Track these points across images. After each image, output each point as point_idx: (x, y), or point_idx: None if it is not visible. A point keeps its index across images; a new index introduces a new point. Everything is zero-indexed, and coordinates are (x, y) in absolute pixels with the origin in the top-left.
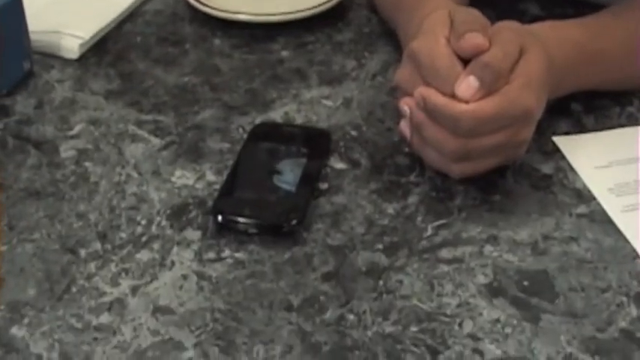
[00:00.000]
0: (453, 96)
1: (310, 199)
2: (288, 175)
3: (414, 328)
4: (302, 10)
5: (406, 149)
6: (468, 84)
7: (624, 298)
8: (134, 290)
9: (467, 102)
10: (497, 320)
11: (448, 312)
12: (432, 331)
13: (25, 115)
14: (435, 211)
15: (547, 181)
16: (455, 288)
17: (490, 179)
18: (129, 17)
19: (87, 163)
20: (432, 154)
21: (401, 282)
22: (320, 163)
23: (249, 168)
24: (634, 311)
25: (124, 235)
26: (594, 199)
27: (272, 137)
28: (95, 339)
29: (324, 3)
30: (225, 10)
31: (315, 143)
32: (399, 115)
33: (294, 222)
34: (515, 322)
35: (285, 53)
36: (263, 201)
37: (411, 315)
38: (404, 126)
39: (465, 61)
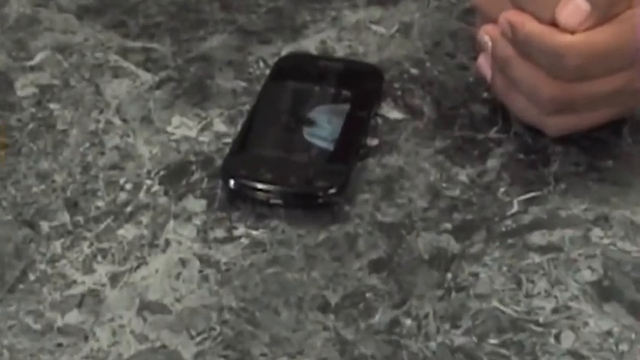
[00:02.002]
0: (554, 23)
1: (354, 159)
2: (325, 126)
3: (493, 340)
4: None
5: (485, 94)
6: (574, 7)
7: None
8: (114, 279)
9: (572, 32)
10: (609, 333)
11: (541, 319)
12: (518, 345)
13: None
14: (524, 179)
15: None
16: (550, 286)
17: (600, 138)
18: None
19: (52, 105)
20: (521, 101)
21: (476, 276)
22: (368, 112)
23: (272, 116)
24: None
25: (101, 203)
26: None
27: (303, 75)
28: (59, 345)
29: None
30: None
31: (362, 84)
32: (476, 47)
33: (332, 190)
34: (633, 336)
35: None
36: (290, 161)
37: (489, 322)
38: (483, 63)
39: None
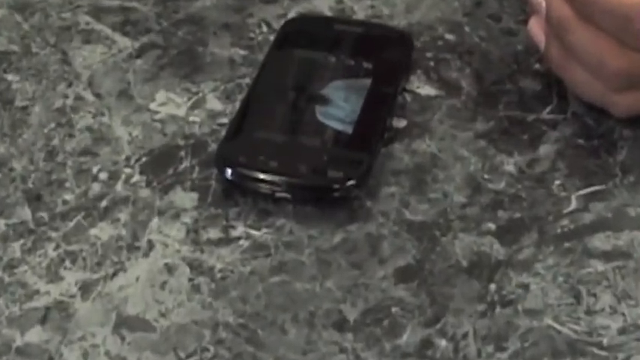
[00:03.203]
0: None
1: (377, 145)
2: (341, 105)
3: None
4: None
5: (536, 66)
6: None
7: None
8: (86, 289)
9: None
10: None
11: (605, 341)
12: None
13: None
14: (584, 170)
15: None
16: (616, 301)
17: None
18: None
19: (10, 77)
20: (581, 75)
21: (526, 287)
22: (394, 87)
23: (278, 92)
24: None
25: (69, 197)
26: None
27: (315, 42)
28: None
29: None
30: None
31: (387, 53)
32: (527, 9)
33: (350, 182)
34: None
35: None
36: (299, 147)
37: (542, 343)
38: (535, 27)
39: None
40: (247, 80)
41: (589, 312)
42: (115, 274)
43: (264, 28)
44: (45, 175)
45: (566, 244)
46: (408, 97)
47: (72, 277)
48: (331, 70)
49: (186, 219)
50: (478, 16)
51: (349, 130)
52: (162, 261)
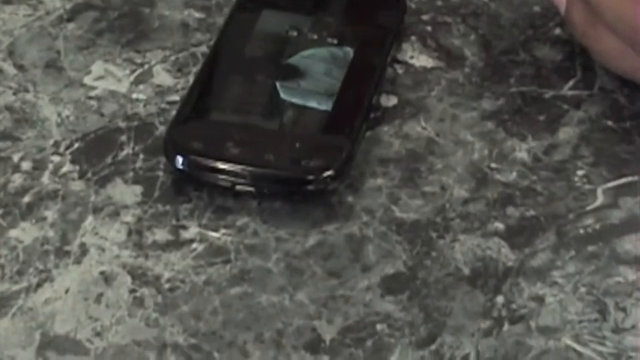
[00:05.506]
0: None
1: (361, 127)
2: (319, 79)
3: None
4: None
5: (557, 31)
6: None
7: None
8: (4, 303)
9: None
10: None
11: None
12: None
13: None
14: (613, 158)
15: None
16: None
17: None
18: None
19: None
20: (610, 42)
21: (540, 300)
22: (382, 57)
23: (241, 63)
24: None
25: None
26: None
27: (286, 2)
28: None
29: None
30: None
31: (373, 15)
32: None
33: (327, 173)
34: None
35: None
36: (267, 130)
37: None
38: None
39: None
40: (204, 49)
41: (617, 330)
42: (39, 285)
43: None
44: None
45: (590, 248)
46: (400, 69)
47: None
48: (305, 37)
49: (128, 217)
50: None
51: (328, 109)
52: (97, 269)
